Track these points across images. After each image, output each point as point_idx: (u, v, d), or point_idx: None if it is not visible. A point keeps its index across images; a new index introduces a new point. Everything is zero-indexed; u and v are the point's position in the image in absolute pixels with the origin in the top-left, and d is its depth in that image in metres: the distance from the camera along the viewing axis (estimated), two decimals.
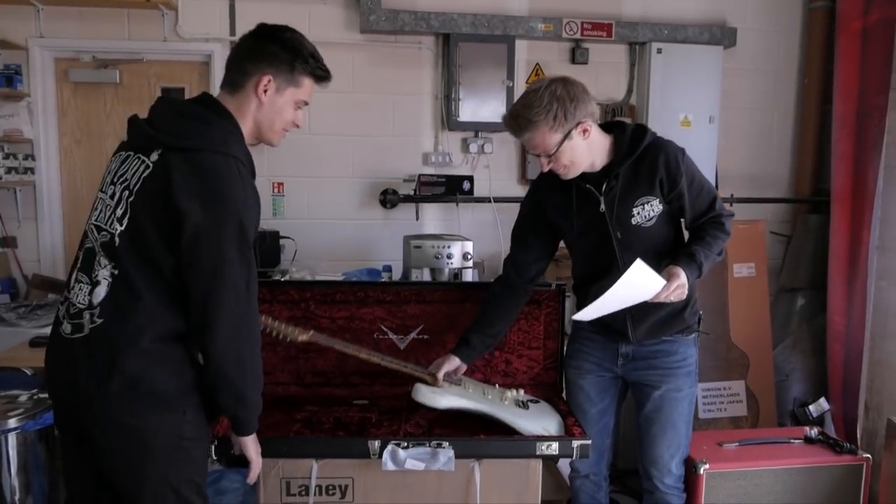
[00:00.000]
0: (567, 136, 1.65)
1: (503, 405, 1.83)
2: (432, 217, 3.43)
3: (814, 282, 3.29)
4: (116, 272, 1.31)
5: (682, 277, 1.65)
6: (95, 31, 3.18)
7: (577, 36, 3.33)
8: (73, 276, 1.38)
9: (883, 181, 2.70)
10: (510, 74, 3.28)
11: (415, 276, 2.73)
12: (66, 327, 1.35)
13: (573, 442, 1.71)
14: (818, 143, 3.53)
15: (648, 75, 3.39)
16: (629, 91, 3.48)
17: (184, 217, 1.27)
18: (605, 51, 3.41)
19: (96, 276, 1.33)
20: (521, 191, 3.40)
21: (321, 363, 2.05)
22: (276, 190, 3.35)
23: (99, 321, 1.32)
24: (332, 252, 3.35)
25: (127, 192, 1.33)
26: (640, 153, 1.72)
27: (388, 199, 3.31)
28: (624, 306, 1.71)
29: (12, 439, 1.96)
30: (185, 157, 1.29)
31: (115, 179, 1.36)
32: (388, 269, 3.03)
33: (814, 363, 3.19)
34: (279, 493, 1.71)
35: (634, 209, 1.73)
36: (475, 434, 1.79)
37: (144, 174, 1.32)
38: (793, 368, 3.19)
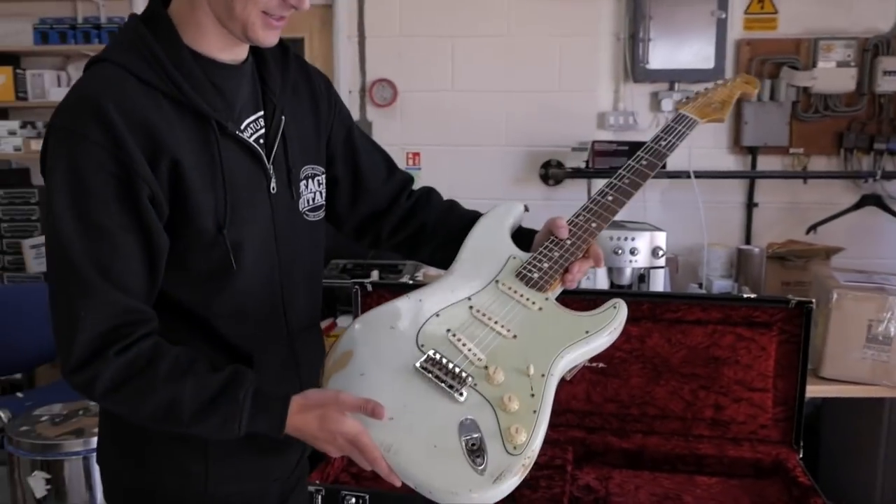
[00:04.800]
0: None
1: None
2: None
3: None
4: None
5: None
6: None
7: None
8: None
9: None
10: (722, 3, 3.08)
11: (585, 278, 2.56)
12: None
13: None
14: None
15: None
16: None
17: None
18: None
19: None
20: (732, 163, 3.12)
21: None
22: (411, 161, 3.38)
23: None
24: None
25: None
26: None
27: (552, 173, 3.27)
28: None
29: None
30: None
31: None
32: None
33: None
34: None
35: None
36: None
37: None
38: None
